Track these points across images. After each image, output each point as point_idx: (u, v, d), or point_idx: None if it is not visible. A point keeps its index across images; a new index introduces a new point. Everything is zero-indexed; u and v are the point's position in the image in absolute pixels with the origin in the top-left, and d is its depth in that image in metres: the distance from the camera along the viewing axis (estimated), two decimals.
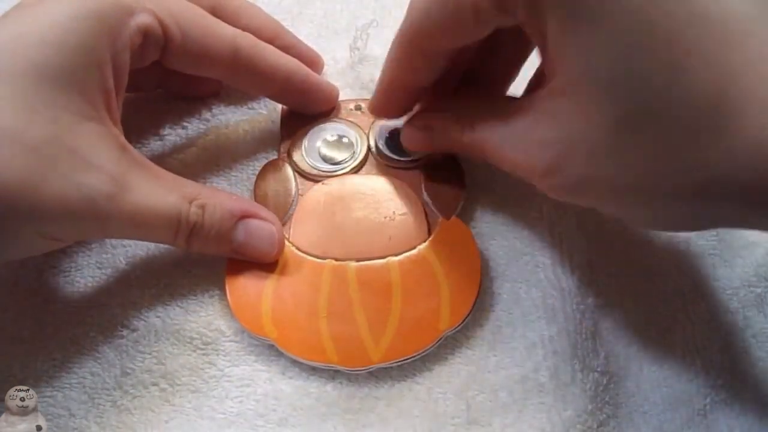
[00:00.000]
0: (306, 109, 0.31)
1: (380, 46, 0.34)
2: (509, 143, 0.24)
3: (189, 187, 0.26)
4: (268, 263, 0.28)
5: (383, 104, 0.29)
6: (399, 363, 0.27)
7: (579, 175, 0.22)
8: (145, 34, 0.26)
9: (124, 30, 0.25)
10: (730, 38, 0.19)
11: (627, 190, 0.21)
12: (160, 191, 0.25)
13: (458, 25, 0.23)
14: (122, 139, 0.25)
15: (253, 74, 0.29)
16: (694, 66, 0.19)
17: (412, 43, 0.25)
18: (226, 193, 0.28)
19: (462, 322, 0.27)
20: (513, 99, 0.26)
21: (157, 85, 0.31)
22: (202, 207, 0.26)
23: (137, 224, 0.24)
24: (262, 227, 0.27)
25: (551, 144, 0.22)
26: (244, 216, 0.27)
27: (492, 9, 0.22)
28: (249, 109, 0.32)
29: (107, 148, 0.24)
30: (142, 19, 0.25)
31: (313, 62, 0.32)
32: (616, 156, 0.21)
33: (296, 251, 0.28)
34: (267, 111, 0.32)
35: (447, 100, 0.28)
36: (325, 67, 0.33)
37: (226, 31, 0.28)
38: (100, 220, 0.24)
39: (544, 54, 0.23)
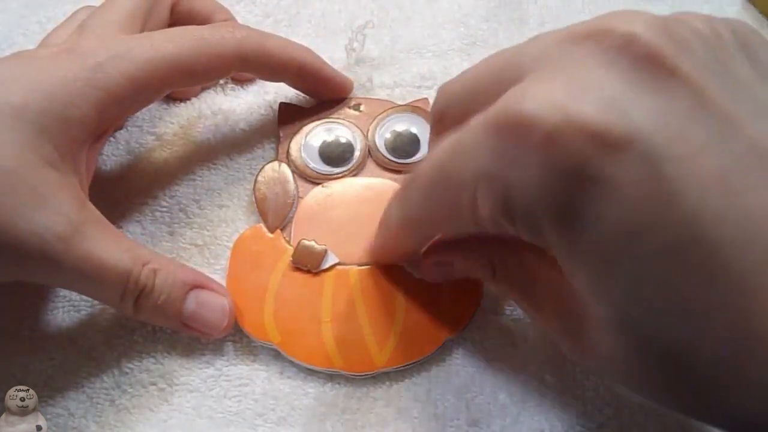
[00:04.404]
0: (322, 96, 0.32)
1: (377, 47, 0.34)
2: (539, 314, 0.24)
3: (144, 251, 0.25)
4: (265, 272, 0.28)
5: (386, 260, 0.28)
6: (402, 368, 0.27)
7: (602, 369, 0.21)
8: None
9: (118, 90, 0.25)
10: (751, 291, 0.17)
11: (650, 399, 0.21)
12: (114, 248, 0.24)
13: (458, 225, 0.22)
14: (83, 195, 0.25)
15: (264, 71, 0.30)
16: (715, 322, 0.17)
17: (411, 227, 0.24)
18: (179, 263, 0.27)
19: (465, 327, 0.27)
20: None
21: None
22: (154, 271, 0.25)
23: (85, 275, 0.23)
24: (213, 298, 0.26)
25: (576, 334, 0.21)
26: (196, 286, 0.26)
27: (491, 224, 0.20)
28: (247, 108, 0.33)
29: (68, 197, 0.24)
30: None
31: None
32: (635, 379, 0.20)
33: None
34: (265, 111, 0.32)
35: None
36: None
37: (227, 43, 0.27)
38: (48, 261, 0.23)
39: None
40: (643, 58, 0.17)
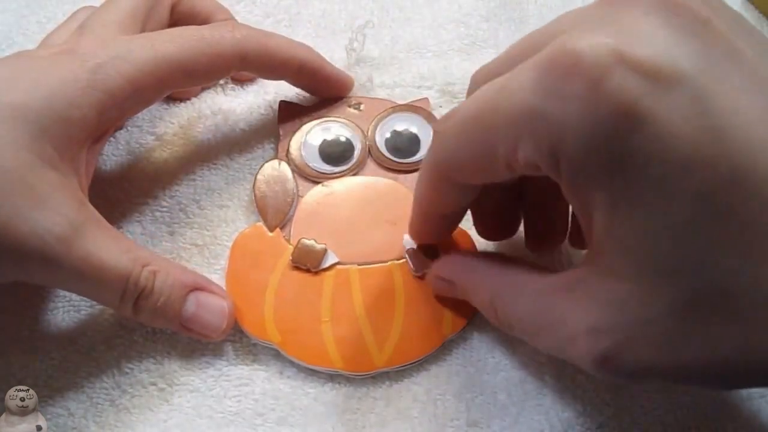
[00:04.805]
0: (322, 93, 0.32)
1: (377, 47, 0.34)
2: (546, 330, 0.22)
3: (144, 252, 0.25)
4: (264, 271, 0.28)
5: (421, 230, 0.27)
6: (402, 368, 0.27)
7: (639, 361, 0.19)
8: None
9: (118, 91, 0.25)
10: None
11: (697, 369, 0.19)
12: (113, 249, 0.24)
13: (488, 170, 0.21)
14: (82, 195, 0.25)
15: (265, 69, 0.30)
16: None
17: (441, 175, 0.23)
18: (179, 265, 0.27)
19: (465, 327, 0.27)
20: (544, 274, 0.23)
21: None
22: (154, 273, 0.25)
23: (85, 276, 0.23)
24: (213, 301, 0.26)
25: (605, 333, 0.20)
26: (196, 288, 0.26)
27: (526, 168, 0.20)
28: (247, 108, 0.33)
29: (67, 197, 0.24)
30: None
31: None
32: (684, 340, 0.19)
33: None
34: (265, 110, 0.33)
35: (475, 259, 0.27)
36: None
37: (227, 43, 0.27)
38: (47, 262, 0.23)
39: (586, 226, 0.20)
40: (679, 10, 0.18)
